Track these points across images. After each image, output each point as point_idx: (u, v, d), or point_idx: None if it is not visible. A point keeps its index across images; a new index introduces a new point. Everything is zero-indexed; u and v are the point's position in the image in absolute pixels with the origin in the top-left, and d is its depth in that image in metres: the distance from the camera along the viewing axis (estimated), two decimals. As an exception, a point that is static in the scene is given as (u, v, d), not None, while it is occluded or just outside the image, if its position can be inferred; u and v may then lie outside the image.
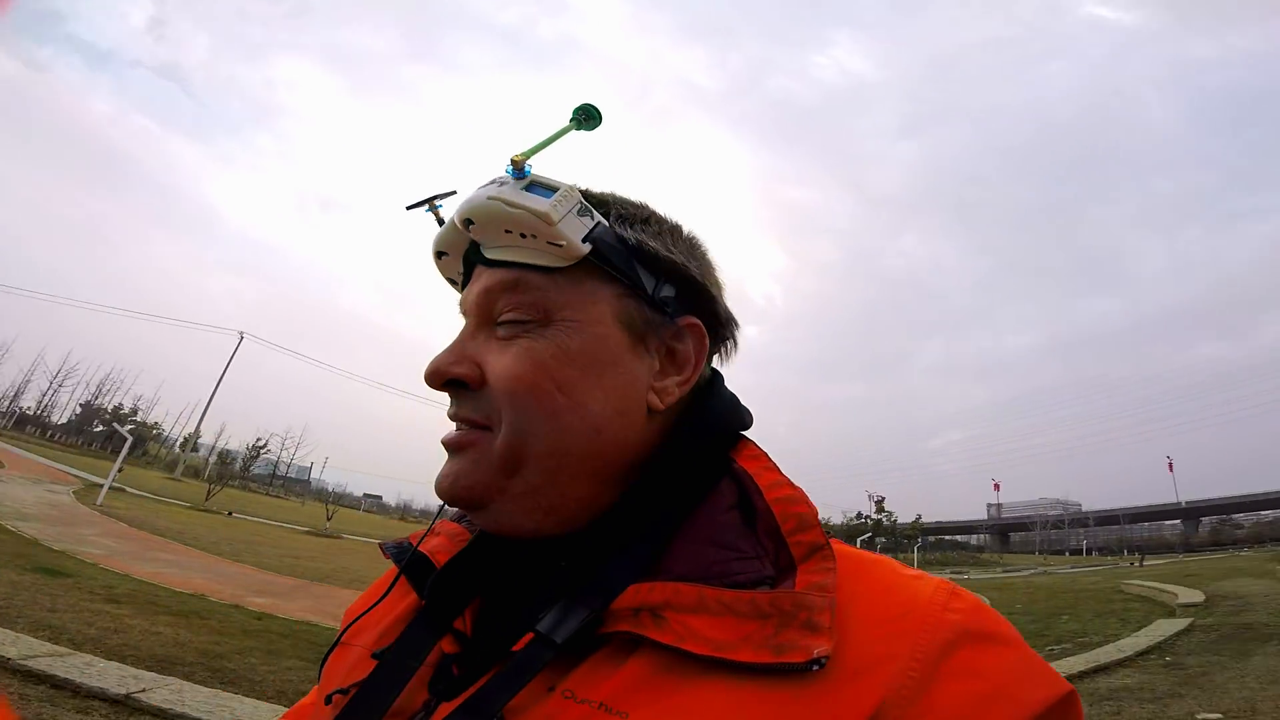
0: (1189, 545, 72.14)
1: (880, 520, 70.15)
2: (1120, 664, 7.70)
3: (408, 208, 0.61)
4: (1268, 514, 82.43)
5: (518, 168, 0.48)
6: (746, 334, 0.60)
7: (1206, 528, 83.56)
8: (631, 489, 0.48)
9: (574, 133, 0.54)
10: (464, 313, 0.53)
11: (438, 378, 0.50)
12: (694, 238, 0.56)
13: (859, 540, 47.38)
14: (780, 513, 0.44)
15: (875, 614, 0.40)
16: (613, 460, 0.49)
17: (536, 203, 0.47)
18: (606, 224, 0.50)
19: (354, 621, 0.56)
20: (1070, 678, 6.82)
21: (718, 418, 0.52)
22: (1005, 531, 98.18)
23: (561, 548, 0.48)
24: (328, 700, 0.50)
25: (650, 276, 0.51)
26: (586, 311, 0.49)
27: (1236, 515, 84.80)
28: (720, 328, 0.55)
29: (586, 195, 0.52)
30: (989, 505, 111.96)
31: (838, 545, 0.46)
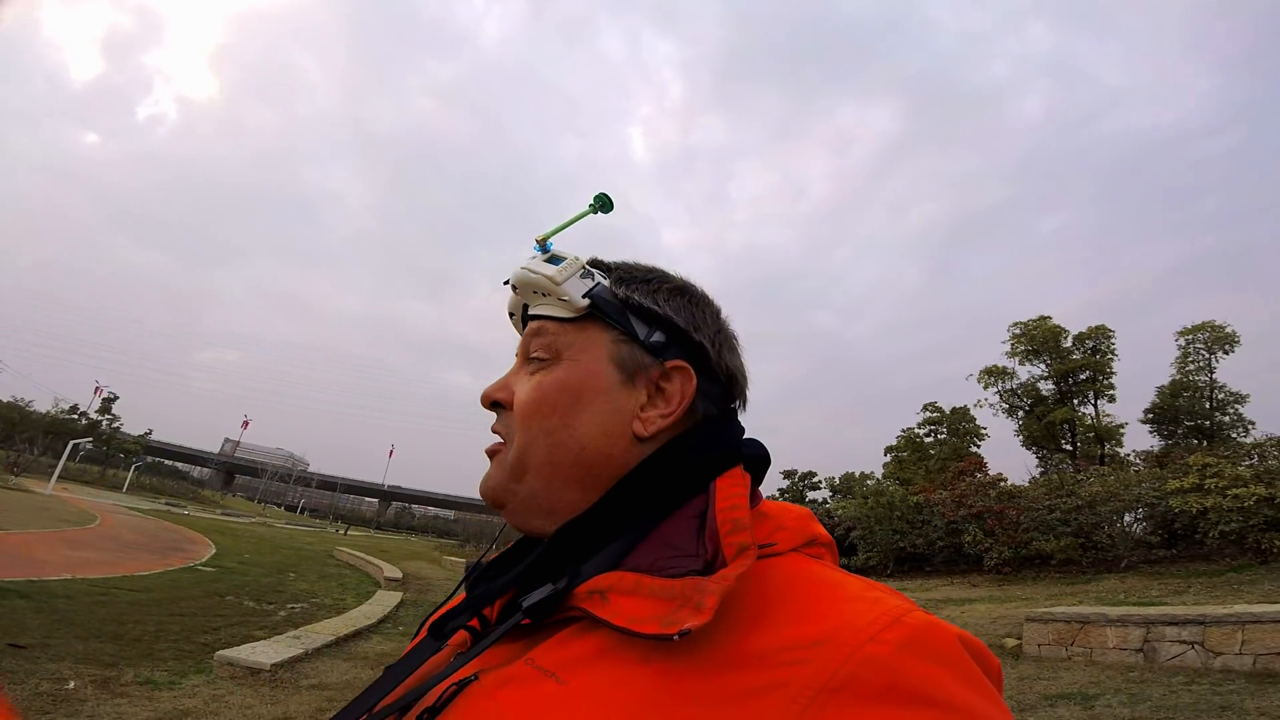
0: (379, 523, 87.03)
1: (99, 423, 58.18)
2: (371, 630, 8.70)
3: (504, 283, 0.73)
4: (433, 510, 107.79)
5: (541, 244, 0.65)
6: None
7: (394, 510, 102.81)
8: (603, 497, 0.56)
9: (590, 216, 0.70)
10: (517, 354, 0.66)
11: (484, 400, 0.63)
12: (694, 296, 0.65)
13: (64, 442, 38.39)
14: (722, 519, 0.49)
15: (796, 638, 0.41)
16: (599, 473, 0.57)
17: (547, 269, 0.62)
18: (606, 284, 0.63)
19: (431, 614, 0.64)
20: (338, 640, 7.31)
21: (701, 447, 0.58)
22: (233, 472, 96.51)
23: (552, 543, 0.55)
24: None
25: (643, 325, 0.61)
26: (586, 352, 0.61)
27: (414, 505, 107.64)
28: (718, 373, 0.62)
29: (596, 263, 0.65)
30: (227, 440, 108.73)
31: (809, 564, 0.51)
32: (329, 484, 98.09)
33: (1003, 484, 19.23)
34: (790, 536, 0.54)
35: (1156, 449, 22.49)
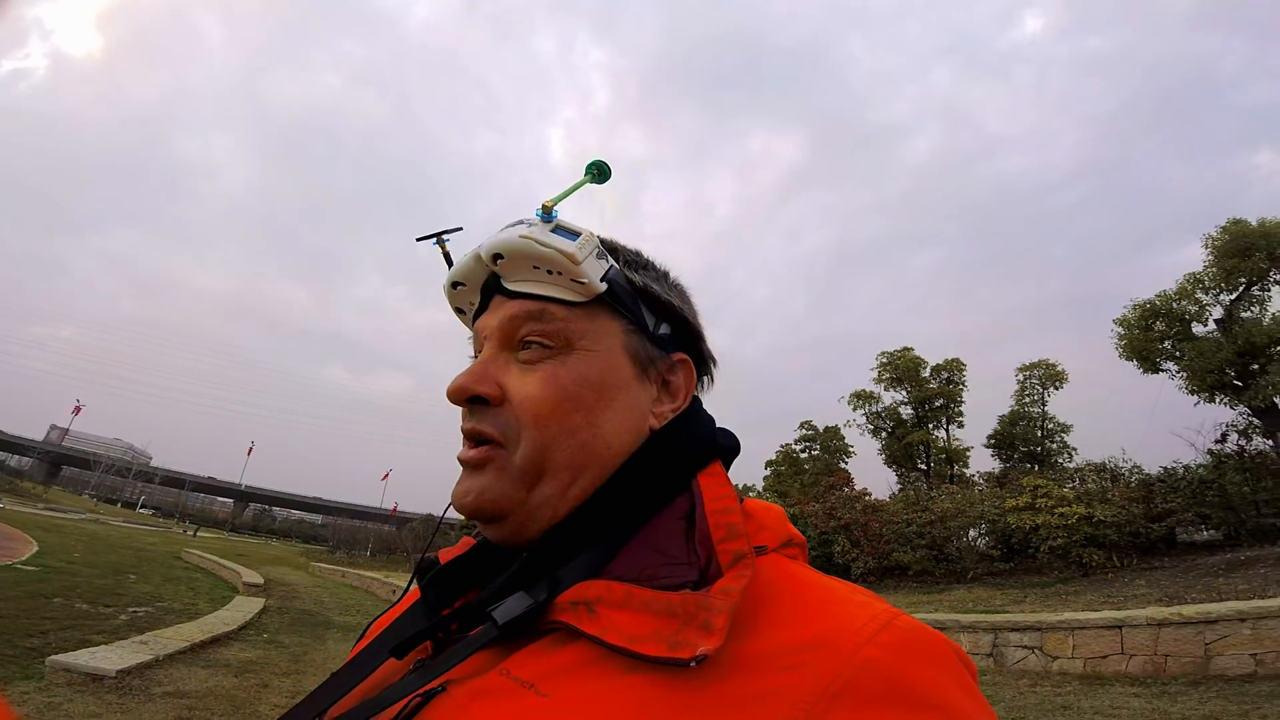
0: (234, 525, 79.81)
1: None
2: (231, 637, 8.09)
3: (418, 239, 0.70)
4: (297, 514, 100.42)
5: (546, 212, 0.56)
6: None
7: (252, 512, 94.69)
8: (590, 497, 0.53)
9: (588, 185, 0.63)
10: (483, 337, 0.58)
11: (462, 394, 0.55)
12: (680, 283, 0.65)
13: None
14: (714, 522, 0.48)
15: (792, 642, 0.40)
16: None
17: (564, 244, 0.54)
18: (618, 267, 0.58)
19: (375, 619, 0.64)
20: (195, 646, 6.74)
21: (689, 440, 0.57)
22: (60, 462, 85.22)
23: (536, 550, 0.52)
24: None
25: (651, 315, 0.59)
26: (600, 342, 0.56)
27: (276, 508, 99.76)
28: (703, 364, 0.64)
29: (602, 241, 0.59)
30: (54, 427, 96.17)
31: (795, 568, 0.49)
32: (176, 480, 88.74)
33: (868, 498, 20.75)
34: (771, 537, 0.53)
35: (997, 471, 25.05)
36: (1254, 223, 15.63)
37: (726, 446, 0.59)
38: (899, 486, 26.22)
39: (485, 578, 0.57)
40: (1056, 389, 26.79)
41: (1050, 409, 26.96)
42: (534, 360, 0.55)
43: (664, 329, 0.60)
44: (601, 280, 0.56)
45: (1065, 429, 26.57)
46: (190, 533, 42.09)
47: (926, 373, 29.10)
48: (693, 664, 0.38)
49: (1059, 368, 26.79)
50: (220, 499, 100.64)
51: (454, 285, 0.62)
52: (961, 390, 28.65)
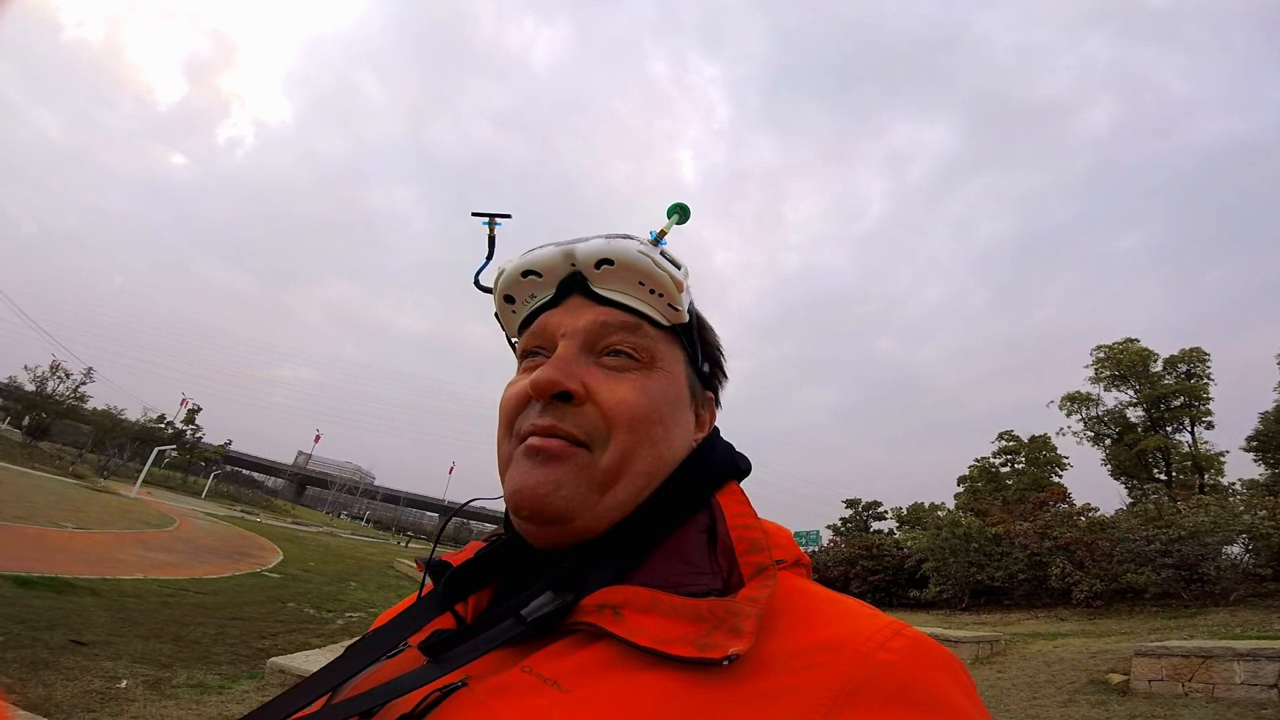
0: (439, 537, 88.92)
1: (184, 432, 61.57)
2: (423, 647, 8.54)
3: (473, 214, 0.73)
4: (490, 525, 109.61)
5: (661, 237, 0.60)
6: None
7: (454, 524, 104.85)
8: (636, 510, 0.54)
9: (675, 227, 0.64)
10: (560, 334, 0.58)
11: (553, 387, 0.53)
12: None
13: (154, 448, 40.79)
14: (736, 536, 0.50)
15: (809, 644, 0.42)
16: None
17: (674, 270, 0.58)
18: (693, 303, 0.62)
19: (386, 615, 0.63)
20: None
21: (715, 461, 0.60)
22: (305, 483, 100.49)
23: (565, 555, 0.53)
24: None
25: (701, 353, 0.64)
26: (675, 366, 0.60)
27: (473, 521, 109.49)
28: (718, 404, 0.68)
29: None
30: (300, 453, 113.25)
31: (804, 583, 0.51)
32: (393, 497, 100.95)
33: (1091, 514, 17.91)
34: (785, 554, 0.54)
35: (1264, 478, 20.56)
36: None
37: (743, 469, 0.61)
38: (1130, 500, 22.28)
39: (498, 576, 0.59)
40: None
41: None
42: (622, 369, 0.57)
43: (706, 367, 0.65)
44: (687, 312, 0.60)
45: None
46: (403, 543, 47.19)
47: (1158, 367, 24.50)
48: (725, 663, 0.39)
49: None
50: (429, 513, 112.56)
51: (525, 274, 0.61)
52: (1206, 385, 23.76)
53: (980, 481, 31.80)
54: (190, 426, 62.66)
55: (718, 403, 0.67)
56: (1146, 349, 24.59)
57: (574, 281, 0.60)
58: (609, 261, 0.57)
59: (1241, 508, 15.32)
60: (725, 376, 0.69)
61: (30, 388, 48.43)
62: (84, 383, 50.98)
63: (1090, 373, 25.65)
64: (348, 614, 10.49)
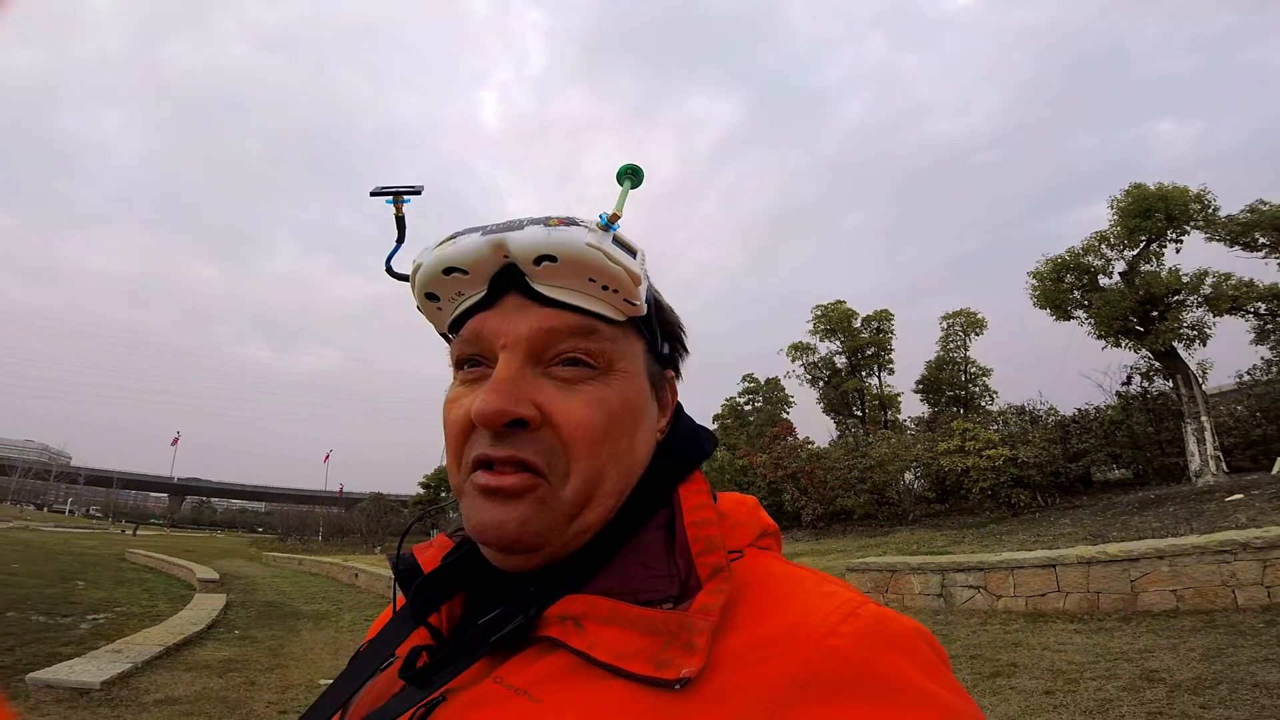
0: (173, 520, 76.56)
1: None
2: (203, 637, 8.20)
3: (372, 193, 0.63)
4: (238, 503, 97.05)
5: (613, 221, 0.51)
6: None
7: (190, 505, 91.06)
8: (614, 517, 0.52)
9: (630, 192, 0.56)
10: (501, 344, 0.51)
11: (502, 418, 0.48)
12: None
13: None
14: (693, 535, 0.49)
15: (761, 636, 0.42)
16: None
17: (630, 263, 0.51)
18: (649, 285, 0.56)
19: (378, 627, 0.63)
20: (169, 649, 6.86)
21: (680, 452, 0.57)
22: (-35, 470, 79.57)
23: (532, 577, 0.51)
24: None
25: (660, 334, 0.59)
26: (633, 364, 0.54)
27: (214, 498, 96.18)
28: (678, 376, 0.63)
29: None
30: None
31: (764, 559, 0.51)
32: (103, 479, 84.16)
33: (810, 446, 21.72)
34: (745, 533, 0.54)
35: (927, 415, 26.78)
36: (1153, 186, 17.21)
37: (706, 452, 0.59)
38: (838, 434, 27.64)
39: (469, 581, 0.57)
40: (978, 335, 28.57)
41: (972, 354, 28.75)
42: (575, 380, 0.51)
43: (665, 348, 0.60)
44: (644, 301, 0.54)
45: (986, 372, 28.41)
46: (130, 532, 40.39)
47: (858, 324, 30.44)
48: (677, 686, 0.39)
49: (979, 315, 28.52)
50: (154, 494, 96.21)
51: (447, 271, 0.53)
52: (891, 339, 30.14)
53: (730, 419, 36.28)
54: None
55: (678, 375, 0.63)
56: (851, 309, 30.37)
57: (508, 277, 0.52)
58: (551, 258, 0.50)
59: (912, 441, 19.14)
60: (686, 351, 0.63)
61: None
62: None
63: (810, 326, 30.92)
64: (90, 616, 9.40)
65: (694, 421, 0.62)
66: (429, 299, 0.57)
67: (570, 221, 0.51)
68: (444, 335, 0.59)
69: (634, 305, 0.53)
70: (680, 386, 0.63)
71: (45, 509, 65.94)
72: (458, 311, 0.55)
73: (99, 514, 69.80)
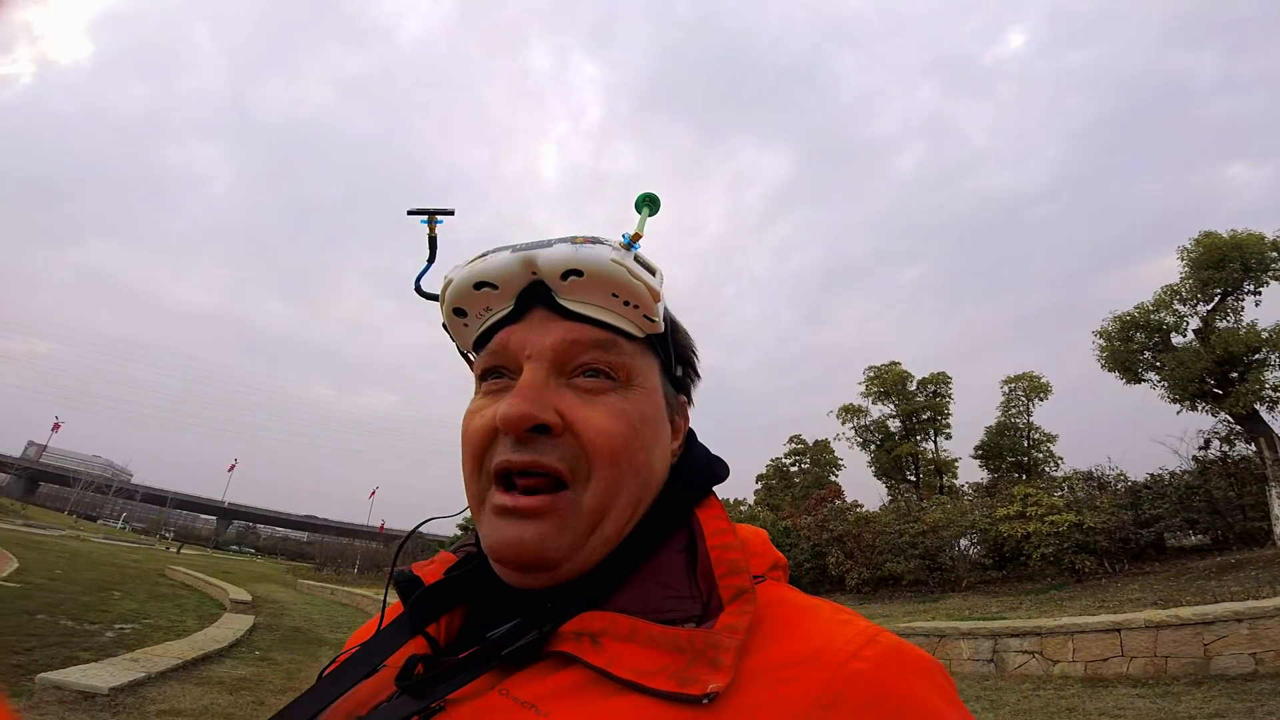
0: (218, 542, 78.56)
1: None
2: (222, 654, 7.99)
3: (409, 212, 0.67)
4: (281, 531, 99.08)
5: (635, 240, 0.55)
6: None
7: (235, 529, 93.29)
8: (629, 536, 0.53)
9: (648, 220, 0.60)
10: (525, 355, 0.53)
11: (526, 422, 0.49)
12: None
13: None
14: (715, 558, 0.49)
15: (784, 657, 0.42)
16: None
17: (650, 279, 0.54)
18: (665, 307, 0.58)
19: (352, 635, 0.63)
20: (186, 663, 6.65)
21: (693, 475, 0.58)
22: (37, 479, 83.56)
23: (546, 594, 0.51)
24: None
25: (675, 357, 0.61)
26: (650, 380, 0.56)
27: (259, 525, 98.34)
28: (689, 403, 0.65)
29: None
30: (30, 443, 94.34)
31: (782, 590, 0.51)
32: (157, 497, 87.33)
33: (859, 510, 20.83)
34: (760, 563, 0.54)
35: (985, 481, 25.40)
36: (1225, 234, 15.95)
37: (721, 476, 0.60)
38: (889, 498, 26.36)
39: (471, 595, 0.57)
40: (1041, 400, 27.02)
41: (1035, 419, 27.17)
42: (596, 391, 0.53)
43: (679, 370, 0.62)
44: (662, 320, 0.57)
45: (1051, 439, 26.76)
46: (174, 549, 41.35)
47: (913, 386, 29.36)
48: (704, 701, 0.39)
49: (1043, 379, 27.05)
50: (203, 516, 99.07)
51: (477, 285, 0.56)
52: (948, 403, 28.91)
53: (774, 480, 35.35)
54: None
55: (690, 402, 0.64)
56: (906, 370, 29.42)
57: (535, 293, 0.54)
58: (577, 273, 0.53)
59: (968, 506, 18.21)
60: (698, 376, 0.65)
61: None
62: None
63: (862, 388, 29.98)
64: (117, 625, 9.33)
65: (707, 448, 0.62)
66: (457, 315, 0.59)
67: (596, 240, 0.54)
68: (464, 355, 0.62)
69: (653, 322, 0.56)
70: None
71: (97, 521, 68.39)
72: (484, 327, 0.57)
73: (142, 528, 72.01)
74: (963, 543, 17.47)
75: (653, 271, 0.55)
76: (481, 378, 0.57)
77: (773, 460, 36.86)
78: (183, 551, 40.17)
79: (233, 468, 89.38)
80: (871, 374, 29.70)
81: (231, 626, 10.05)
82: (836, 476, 33.83)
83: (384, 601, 0.59)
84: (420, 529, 0.69)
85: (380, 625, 0.58)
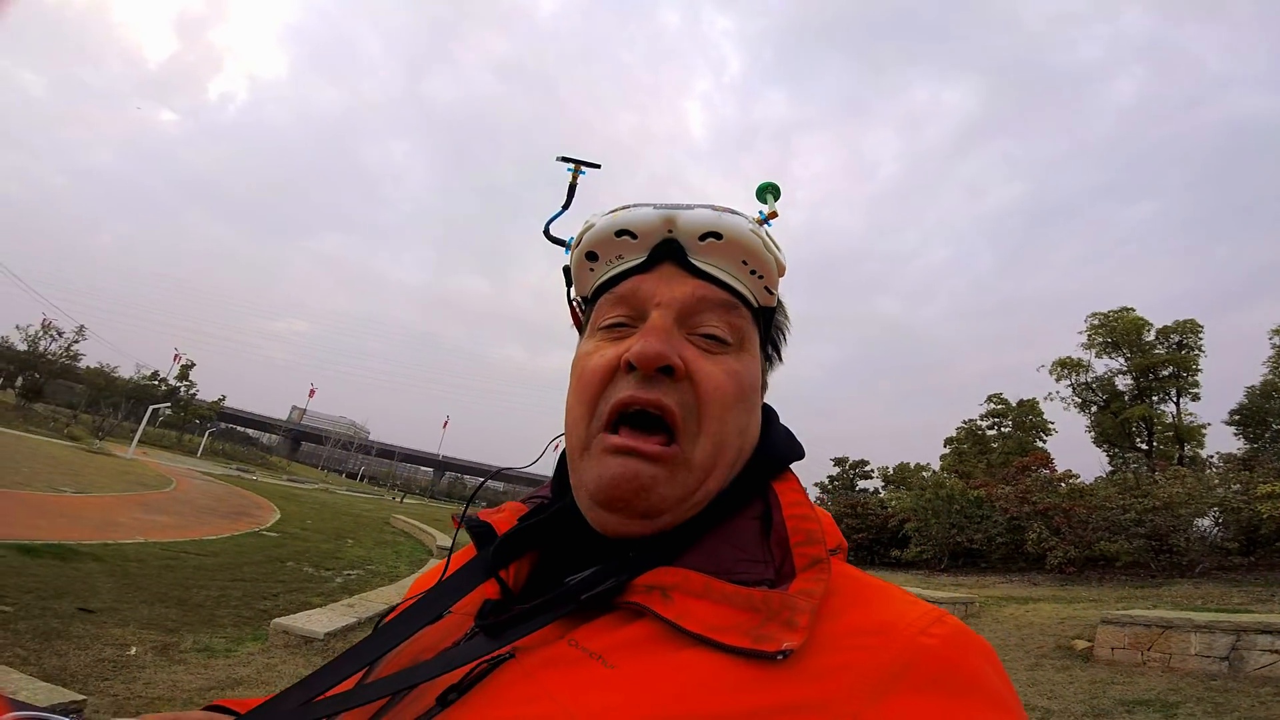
0: (433, 492, 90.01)
1: (178, 389, 61.31)
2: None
3: (559, 159, 0.70)
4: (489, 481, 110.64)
5: (770, 219, 0.59)
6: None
7: (448, 479, 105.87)
8: (709, 504, 0.54)
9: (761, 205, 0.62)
10: (654, 303, 0.56)
11: (660, 360, 0.52)
12: None
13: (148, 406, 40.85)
14: (792, 527, 0.50)
15: (855, 626, 0.44)
16: None
17: (780, 254, 0.59)
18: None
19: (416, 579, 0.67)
20: (393, 609, 7.42)
21: (773, 449, 0.59)
22: (299, 439, 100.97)
23: (633, 543, 0.52)
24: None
25: (769, 336, 0.63)
26: (756, 351, 0.59)
27: (467, 475, 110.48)
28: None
29: None
30: (294, 408, 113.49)
31: (848, 568, 0.53)
32: (387, 452, 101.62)
33: (1072, 481, 18.30)
34: (829, 541, 0.54)
35: (1241, 452, 20.98)
36: None
37: (799, 455, 0.61)
38: (1110, 468, 22.77)
39: (543, 543, 0.59)
40: (1329, 354, 21.53)
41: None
42: (714, 350, 0.55)
43: (769, 350, 0.64)
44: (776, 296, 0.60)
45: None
46: (398, 499, 47.80)
47: (1150, 336, 24.71)
48: (779, 658, 0.40)
49: (1330, 328, 21.46)
50: (422, 468, 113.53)
51: (619, 233, 0.59)
52: (1197, 358, 24.01)
53: (966, 444, 32.34)
54: (184, 383, 62.20)
55: (764, 384, 0.65)
56: (1141, 318, 24.83)
57: (669, 248, 0.57)
58: (716, 235, 0.56)
59: (1216, 481, 15.54)
60: (781, 360, 0.67)
61: (22, 348, 48.00)
62: (76, 341, 50.51)
63: (1083, 339, 25.95)
64: (346, 572, 10.77)
65: (788, 428, 0.64)
66: (588, 258, 0.62)
67: (734, 211, 0.58)
68: (572, 305, 0.66)
69: (771, 295, 0.60)
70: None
71: (344, 475, 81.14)
72: (612, 274, 0.60)
73: (371, 480, 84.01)
74: (1203, 523, 14.76)
75: (778, 248, 0.59)
76: (595, 321, 0.59)
77: (965, 422, 33.71)
78: (404, 501, 46.27)
79: (446, 424, 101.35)
80: (1096, 321, 25.49)
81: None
82: (1044, 442, 29.94)
83: (450, 548, 0.62)
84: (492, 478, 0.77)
85: (445, 573, 0.59)
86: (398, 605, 0.59)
